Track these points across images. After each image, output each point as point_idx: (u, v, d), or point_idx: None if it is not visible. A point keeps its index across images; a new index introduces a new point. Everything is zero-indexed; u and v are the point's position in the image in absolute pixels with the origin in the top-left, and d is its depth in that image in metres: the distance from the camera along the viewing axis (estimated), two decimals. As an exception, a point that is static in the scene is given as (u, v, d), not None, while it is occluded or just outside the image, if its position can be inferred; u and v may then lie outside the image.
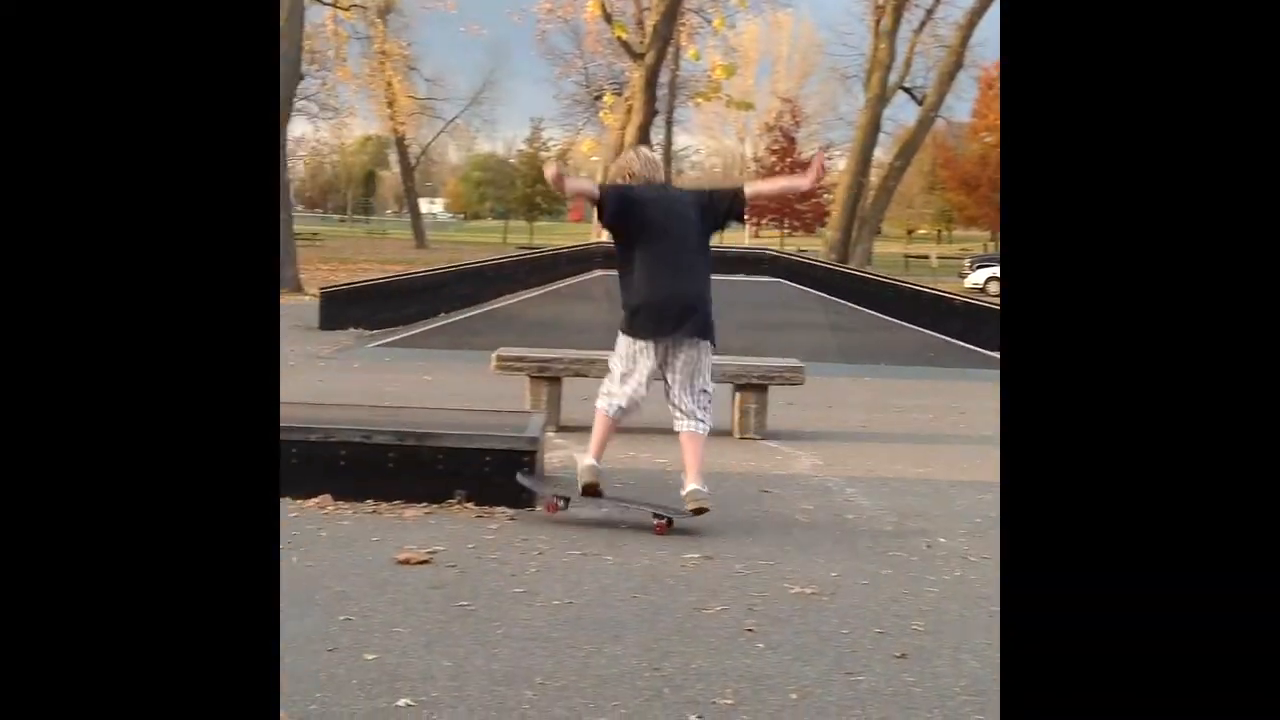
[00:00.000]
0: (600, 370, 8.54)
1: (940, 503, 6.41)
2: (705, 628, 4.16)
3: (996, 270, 34.23)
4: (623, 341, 5.84)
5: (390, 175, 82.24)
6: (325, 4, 32.20)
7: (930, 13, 39.38)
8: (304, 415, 6.21)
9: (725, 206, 5.96)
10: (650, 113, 27.53)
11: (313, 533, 5.26)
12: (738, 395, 8.45)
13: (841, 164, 42.10)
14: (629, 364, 5.82)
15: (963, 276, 38.95)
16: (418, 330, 14.32)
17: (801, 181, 6.15)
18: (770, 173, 52.18)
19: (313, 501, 5.73)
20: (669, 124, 46.60)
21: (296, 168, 67.90)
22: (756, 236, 58.55)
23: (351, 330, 15.09)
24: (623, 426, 8.25)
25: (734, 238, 62.13)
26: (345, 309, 15.73)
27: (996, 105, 34.95)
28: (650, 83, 26.68)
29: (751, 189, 6.17)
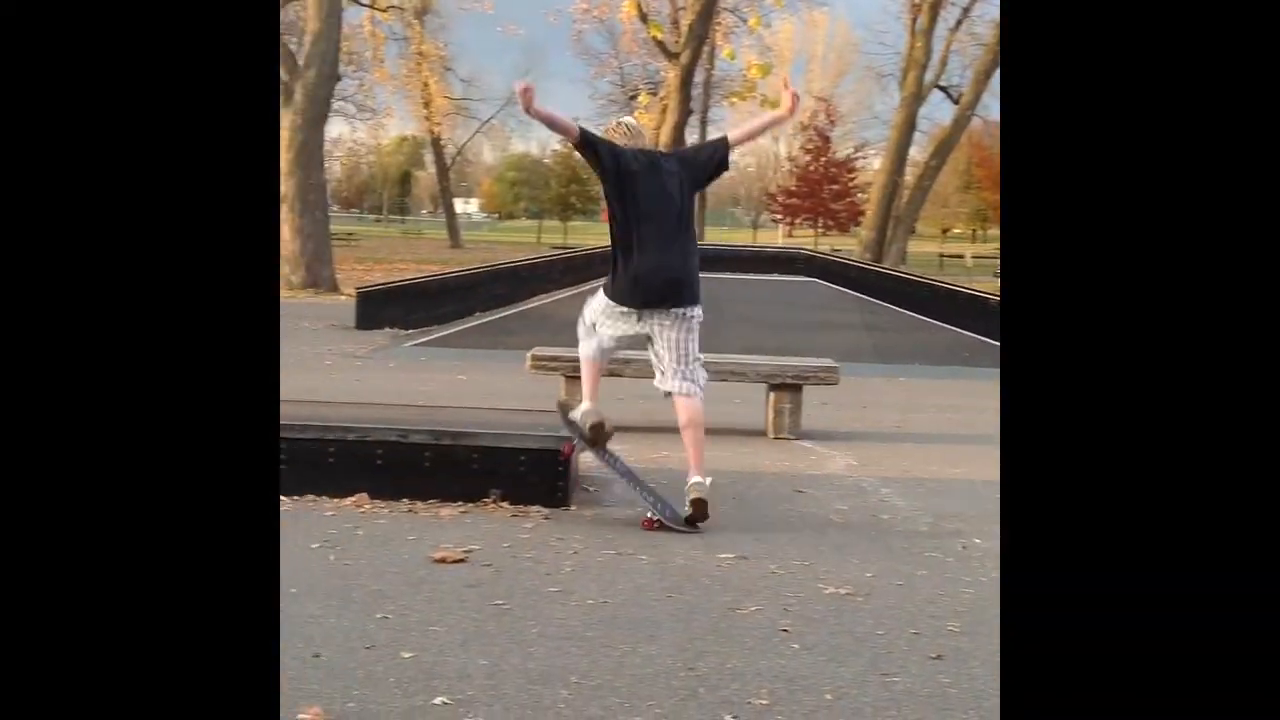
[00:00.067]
0: (635, 370, 8.56)
1: (976, 503, 6.38)
2: (740, 628, 4.17)
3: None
4: (604, 301, 5.88)
5: (426, 175, 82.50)
6: (363, 5, 32.35)
7: (967, 11, 39.15)
8: (341, 414, 6.25)
9: (710, 160, 6.03)
10: (685, 112, 27.53)
11: (350, 531, 5.29)
12: (772, 395, 8.44)
13: (877, 163, 41.95)
14: (605, 319, 5.90)
15: (998, 276, 38.71)
16: (452, 330, 14.38)
17: (781, 113, 6.16)
18: (805, 173, 52.06)
19: (349, 500, 5.77)
20: (703, 123, 46.56)
21: (333, 168, 68.27)
22: (790, 236, 58.43)
23: (387, 330, 15.17)
24: (655, 425, 8.27)
25: (768, 237, 62.01)
26: (381, 309, 15.81)
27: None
28: (685, 82, 26.67)
29: (735, 135, 6.24)
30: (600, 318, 5.92)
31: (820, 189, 51.56)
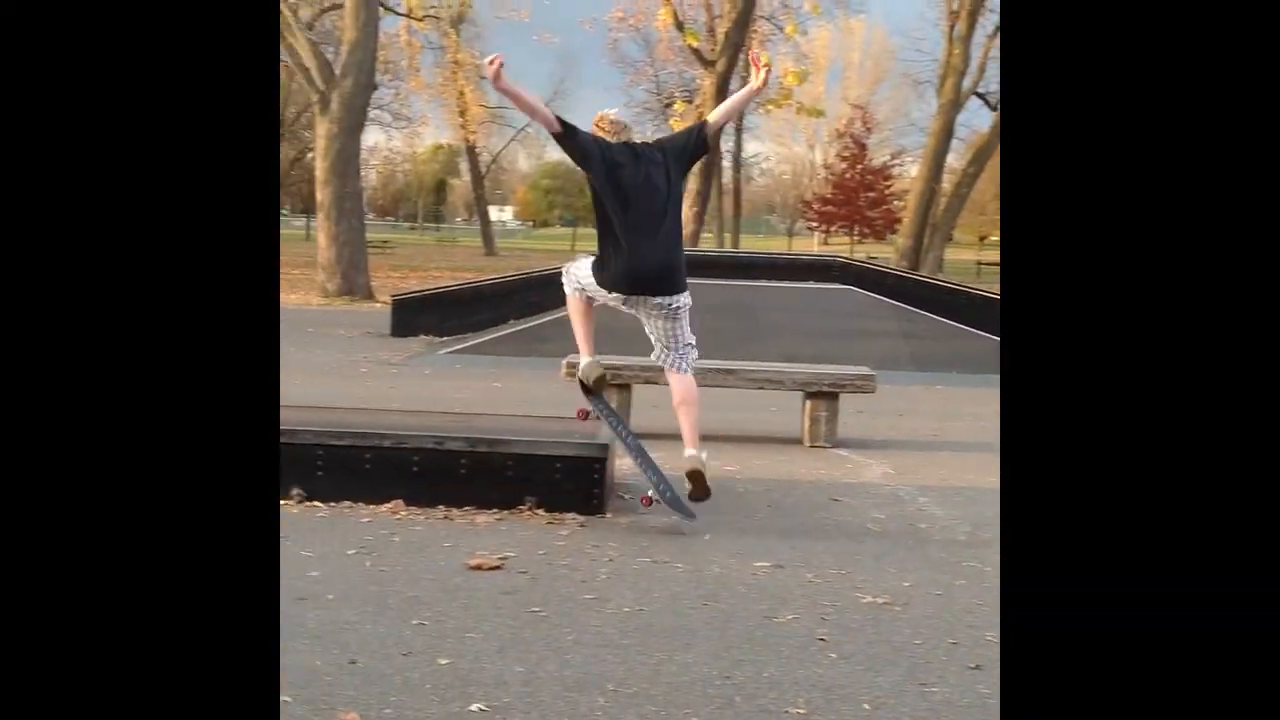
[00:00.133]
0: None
1: (1014, 513, 6.32)
2: (776, 636, 4.15)
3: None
4: (592, 279, 5.93)
5: (461, 183, 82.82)
6: (400, 15, 32.51)
7: (1004, 17, 38.92)
8: (377, 421, 6.27)
9: (690, 144, 6.05)
10: (720, 120, 27.49)
11: (386, 538, 5.31)
12: (808, 403, 8.41)
13: (913, 170, 41.76)
14: (589, 286, 5.99)
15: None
16: (487, 337, 14.41)
17: (754, 85, 6.17)
18: (841, 181, 51.91)
19: (385, 506, 5.78)
20: (739, 131, 46.54)
21: (369, 176, 68.64)
22: (825, 244, 58.29)
23: (422, 337, 15.22)
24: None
25: (803, 244, 61.84)
26: (416, 316, 15.86)
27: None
28: (721, 90, 26.62)
29: (713, 117, 6.28)
30: (587, 285, 6.01)
31: (856, 196, 51.36)
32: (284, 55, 24.85)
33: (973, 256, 52.35)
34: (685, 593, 4.64)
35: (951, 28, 37.54)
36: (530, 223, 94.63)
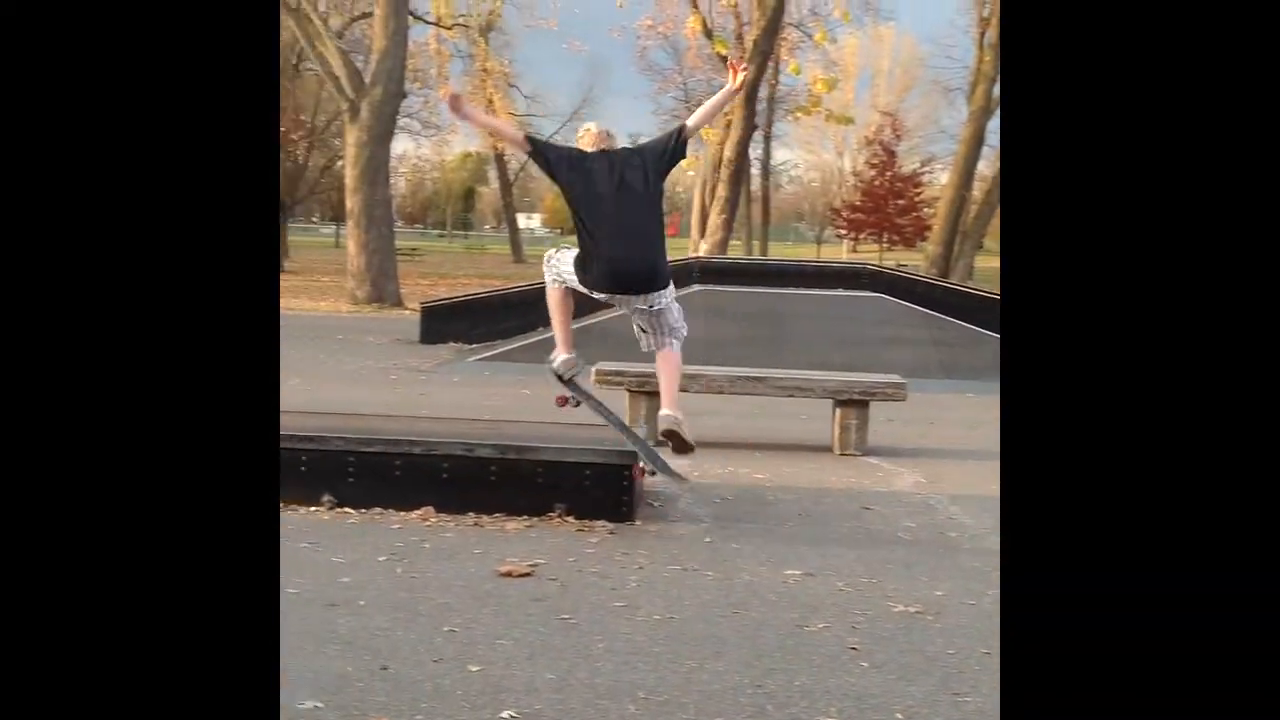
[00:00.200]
0: (701, 385, 8.54)
1: (1047, 522, 6.28)
2: (808, 645, 4.13)
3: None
4: (573, 269, 5.94)
5: (489, 191, 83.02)
6: (429, 23, 32.65)
7: (1034, 24, 38.77)
8: (407, 428, 6.29)
9: (668, 149, 6.05)
10: (749, 127, 27.50)
11: (416, 544, 5.31)
12: (838, 411, 8.38)
13: (943, 178, 41.63)
14: (573, 280, 5.99)
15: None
16: (516, 344, 14.43)
17: (732, 85, 6.18)
18: (870, 188, 51.76)
19: (416, 513, 5.79)
20: (767, 138, 46.49)
21: (398, 184, 68.87)
22: (855, 251, 58.13)
23: (451, 344, 15.26)
24: (720, 441, 8.23)
25: (832, 252, 61.70)
26: (445, 323, 15.91)
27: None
28: (749, 97, 26.62)
29: (693, 120, 6.27)
30: (569, 278, 6.01)
31: (886, 204, 51.20)
32: (314, 64, 25.02)
33: (1002, 264, 51.93)
34: (716, 601, 4.63)
35: (982, 34, 37.39)
36: (559, 230, 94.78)
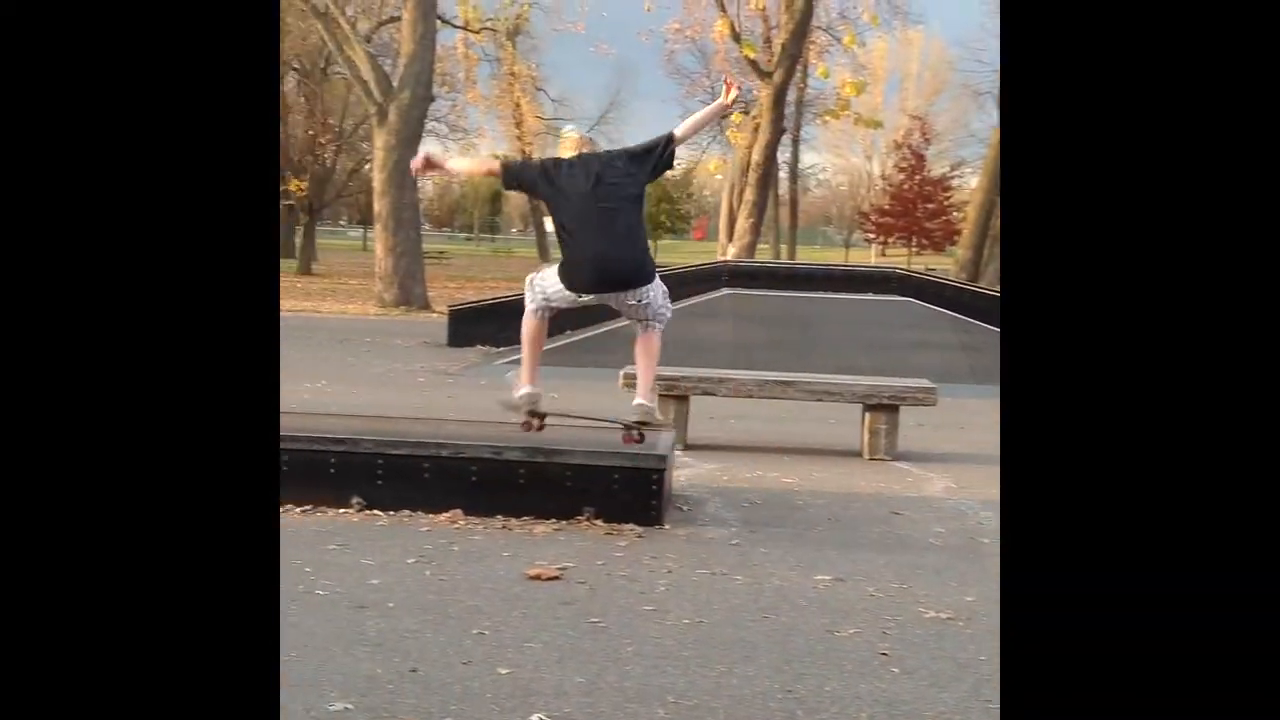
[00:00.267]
0: (729, 389, 8.53)
1: (1078, 528, 6.23)
2: (838, 651, 4.10)
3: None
4: (558, 284, 5.92)
5: (516, 194, 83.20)
6: (457, 27, 32.73)
7: (1064, 28, 38.54)
8: (435, 431, 6.29)
9: (655, 156, 6.06)
10: (778, 131, 27.45)
11: (445, 547, 5.31)
12: (867, 416, 8.34)
13: (973, 181, 41.44)
14: (555, 296, 5.96)
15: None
16: (545, 347, 14.44)
17: (723, 100, 6.25)
18: (899, 192, 51.62)
19: (444, 516, 5.80)
20: (795, 142, 46.39)
21: (425, 187, 69.09)
22: (883, 255, 57.95)
23: (478, 347, 15.28)
24: (749, 445, 8.21)
25: (860, 256, 61.53)
26: (472, 327, 15.93)
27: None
28: (778, 101, 26.59)
29: (681, 130, 6.24)
30: (554, 295, 5.98)
31: (915, 208, 51.03)
32: (342, 68, 25.12)
33: (1031, 268, 51.69)
34: (745, 605, 4.61)
35: (1011, 38, 37.10)
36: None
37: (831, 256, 59.95)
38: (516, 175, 6.16)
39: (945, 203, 51.29)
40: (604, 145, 6.23)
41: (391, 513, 5.84)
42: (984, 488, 7.31)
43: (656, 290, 5.93)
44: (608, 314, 15.74)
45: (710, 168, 44.16)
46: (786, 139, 38.54)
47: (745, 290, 14.11)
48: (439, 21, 25.71)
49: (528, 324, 6.11)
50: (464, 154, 62.18)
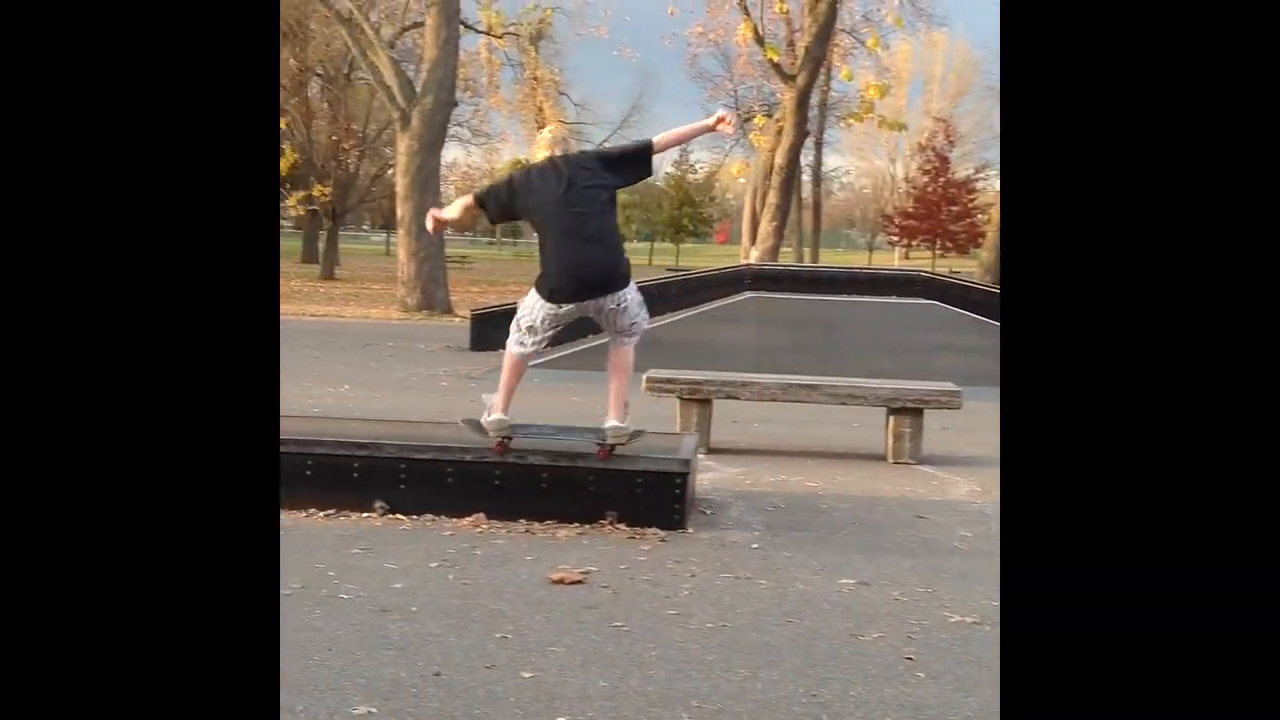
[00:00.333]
0: (752, 393, 8.50)
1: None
2: (863, 655, 4.08)
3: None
4: (539, 304, 5.97)
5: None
6: (480, 32, 32.81)
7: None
8: (458, 435, 6.29)
9: (630, 163, 6.09)
10: (801, 134, 27.41)
11: (468, 551, 5.31)
12: (891, 419, 8.30)
13: (998, 184, 41.26)
14: (540, 320, 6.00)
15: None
16: (565, 352, 14.43)
17: (708, 123, 6.22)
18: (923, 194, 51.48)
19: (467, 520, 5.79)
20: (819, 145, 46.31)
21: (448, 192, 69.27)
22: (907, 258, 57.80)
23: (501, 351, 15.25)
24: (772, 448, 8.19)
25: (884, 258, 61.39)
26: (495, 331, 15.87)
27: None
28: (801, 104, 26.55)
29: (659, 141, 6.25)
30: (539, 320, 6.00)
31: (939, 210, 50.92)
32: (366, 73, 25.21)
33: (1056, 271, 51.49)
34: (769, 609, 4.59)
35: (1035, 40, 37.01)
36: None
37: (854, 259, 59.82)
38: (493, 201, 6.18)
39: (970, 205, 51.12)
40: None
41: (414, 517, 5.84)
42: (1009, 491, 7.26)
43: (634, 296, 5.96)
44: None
45: (733, 171, 44.16)
46: (810, 142, 38.49)
47: (768, 293, 14.07)
48: (462, 27, 25.77)
49: (510, 360, 6.18)
50: (487, 159, 62.22)
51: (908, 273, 16.86)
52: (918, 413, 8.29)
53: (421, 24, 26.69)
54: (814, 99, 32.54)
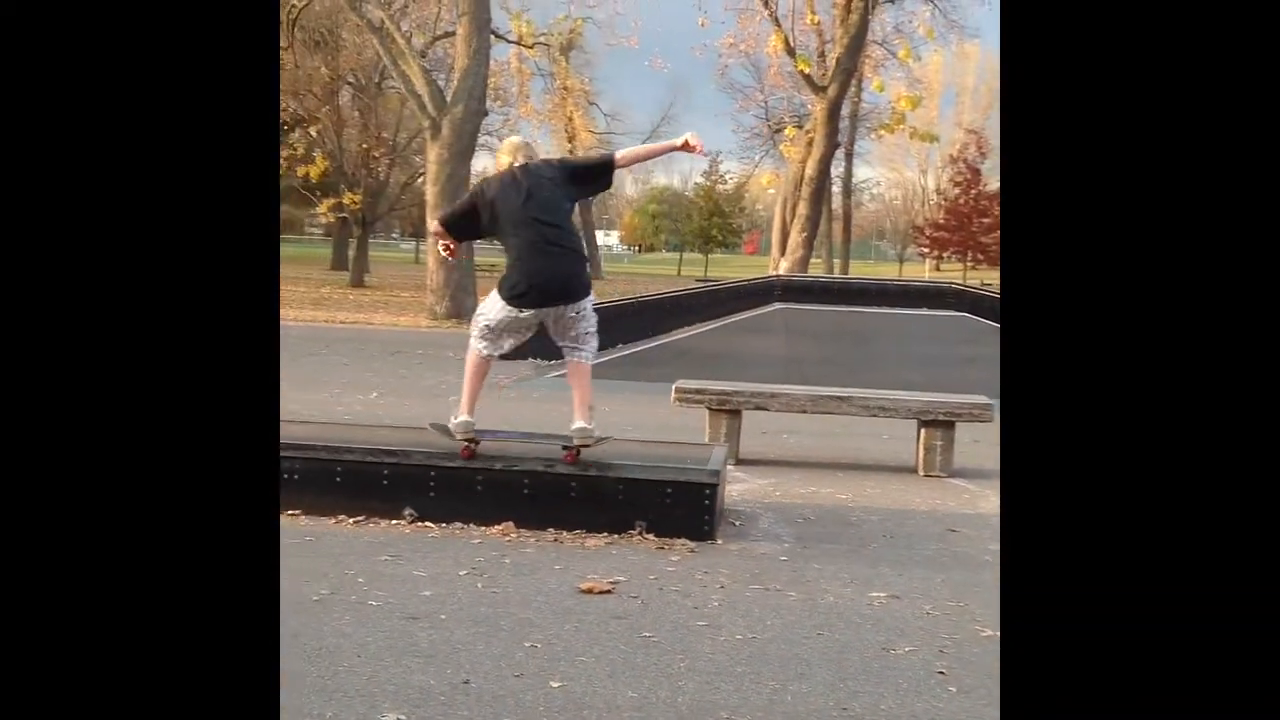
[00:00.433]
0: (782, 404, 8.47)
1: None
2: (894, 668, 4.04)
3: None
4: (500, 306, 6.05)
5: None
6: (510, 42, 32.94)
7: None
8: (488, 445, 6.29)
9: (594, 177, 6.22)
10: (832, 145, 27.36)
11: (497, 559, 5.30)
12: (923, 431, 8.26)
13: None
14: (498, 321, 6.11)
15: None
16: (594, 361, 14.45)
17: (675, 141, 6.28)
18: (954, 206, 51.31)
19: (496, 528, 5.79)
20: (849, 156, 46.27)
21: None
22: (938, 270, 57.59)
23: (530, 360, 15.29)
24: (802, 460, 8.15)
25: (914, 270, 61.18)
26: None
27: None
28: (832, 115, 26.51)
29: (622, 156, 6.33)
30: (498, 321, 6.10)
31: (970, 222, 50.70)
32: (397, 82, 25.32)
33: (1087, 284, 51.21)
34: (799, 622, 4.56)
35: (1067, 52, 36.89)
36: (636, 247, 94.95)
37: (884, 270, 59.63)
38: (458, 221, 6.30)
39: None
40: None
41: (443, 525, 5.84)
42: (1041, 505, 7.21)
43: (590, 310, 6.08)
44: (663, 326, 15.78)
45: (763, 182, 44.10)
46: (840, 153, 38.43)
47: (798, 305, 14.04)
48: (493, 36, 25.86)
49: (472, 359, 6.27)
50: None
51: (939, 285, 16.78)
52: (949, 425, 8.24)
53: (452, 33, 26.77)
54: (845, 110, 32.50)
